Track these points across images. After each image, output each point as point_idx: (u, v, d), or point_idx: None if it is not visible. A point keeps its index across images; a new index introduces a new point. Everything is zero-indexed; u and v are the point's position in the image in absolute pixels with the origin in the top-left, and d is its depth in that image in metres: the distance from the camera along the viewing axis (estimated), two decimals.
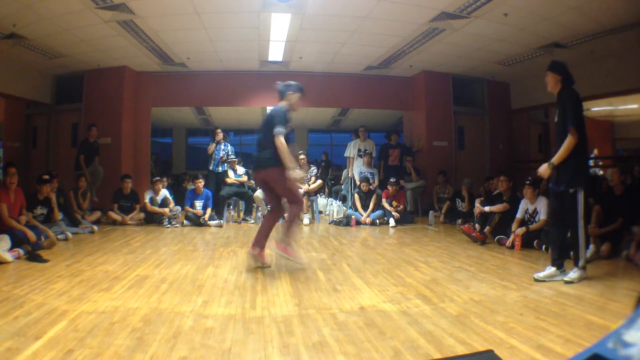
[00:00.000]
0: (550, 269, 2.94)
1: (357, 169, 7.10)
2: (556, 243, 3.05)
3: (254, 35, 6.00)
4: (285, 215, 3.34)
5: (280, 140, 3.12)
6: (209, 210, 6.02)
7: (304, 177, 3.71)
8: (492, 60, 6.94)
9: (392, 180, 6.36)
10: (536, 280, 2.89)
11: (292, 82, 3.57)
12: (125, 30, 5.56)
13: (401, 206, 6.32)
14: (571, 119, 2.85)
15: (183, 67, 7.47)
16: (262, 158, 3.25)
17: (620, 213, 3.92)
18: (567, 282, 2.82)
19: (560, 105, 2.98)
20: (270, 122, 3.26)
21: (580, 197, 2.88)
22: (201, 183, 6.14)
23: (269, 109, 3.39)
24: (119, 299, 2.41)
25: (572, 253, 2.96)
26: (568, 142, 2.84)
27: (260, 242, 3.29)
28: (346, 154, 7.40)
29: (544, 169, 2.94)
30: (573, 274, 2.88)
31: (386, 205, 6.23)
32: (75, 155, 6.60)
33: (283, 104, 3.46)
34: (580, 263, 2.92)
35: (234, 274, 3.08)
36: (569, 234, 2.99)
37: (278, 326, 1.99)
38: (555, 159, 2.88)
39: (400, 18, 5.27)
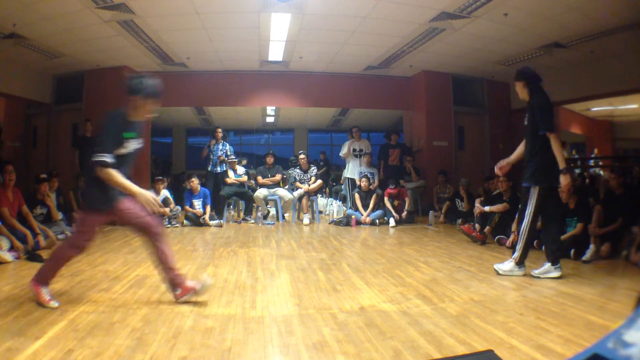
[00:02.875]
0: (544, 268, 2.99)
1: (353, 169, 7.09)
2: (547, 241, 3.13)
3: (254, 35, 6.00)
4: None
5: (105, 172, 2.16)
6: (208, 209, 6.02)
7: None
8: (492, 60, 6.94)
9: (392, 187, 6.33)
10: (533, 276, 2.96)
11: (147, 80, 2.42)
12: (125, 30, 5.56)
13: (403, 201, 6.31)
14: (544, 123, 2.93)
15: (183, 67, 7.47)
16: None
17: (620, 213, 3.92)
18: (496, 271, 3.01)
19: (530, 111, 3.05)
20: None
21: (535, 193, 2.96)
22: (194, 182, 6.10)
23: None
24: (119, 299, 2.41)
25: (543, 247, 3.05)
26: (555, 145, 2.91)
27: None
28: (340, 154, 7.39)
29: (566, 181, 2.89)
30: (502, 265, 3.04)
31: (387, 205, 6.23)
32: (77, 156, 6.62)
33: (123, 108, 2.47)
34: (515, 255, 3.01)
35: (234, 274, 3.08)
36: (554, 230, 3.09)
37: (278, 326, 1.99)
38: (560, 163, 2.89)
39: (400, 18, 5.28)
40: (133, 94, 2.42)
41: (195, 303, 2.34)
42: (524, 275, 2.99)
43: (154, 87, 2.44)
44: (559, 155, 2.89)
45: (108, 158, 2.18)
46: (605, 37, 5.53)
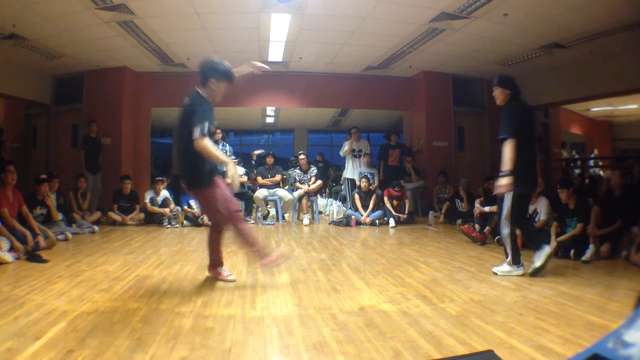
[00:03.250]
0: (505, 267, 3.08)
1: (352, 169, 7.09)
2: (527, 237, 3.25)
3: (254, 36, 6.00)
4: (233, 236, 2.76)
5: (202, 144, 2.39)
6: None
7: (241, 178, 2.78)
8: (492, 61, 6.94)
9: (396, 189, 6.32)
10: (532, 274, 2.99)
11: (219, 63, 2.67)
12: (125, 30, 5.57)
13: (404, 202, 6.31)
14: (505, 127, 3.09)
15: (183, 68, 7.47)
16: (185, 171, 2.75)
17: (619, 214, 3.92)
18: (494, 273, 3.03)
19: (501, 116, 3.20)
20: (186, 119, 2.51)
21: (509, 198, 3.01)
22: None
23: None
24: (119, 299, 2.41)
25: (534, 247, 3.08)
26: (508, 150, 3.02)
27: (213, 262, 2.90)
28: (341, 152, 7.40)
29: (504, 183, 2.97)
30: (500, 267, 3.07)
31: (387, 205, 6.24)
32: (82, 156, 6.66)
33: (202, 92, 2.63)
34: (509, 259, 3.04)
35: (233, 274, 3.08)
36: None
37: (278, 326, 1.99)
38: (507, 165, 2.99)
39: (400, 18, 5.28)
40: (207, 78, 2.61)
41: (195, 303, 2.34)
42: (523, 274, 3.01)
43: (226, 70, 2.66)
44: (508, 160, 2.99)
45: (206, 131, 2.40)
46: (605, 37, 5.53)
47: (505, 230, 3.03)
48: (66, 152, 7.33)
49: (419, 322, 2.05)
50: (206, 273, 3.01)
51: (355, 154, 7.14)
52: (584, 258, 3.63)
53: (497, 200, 3.18)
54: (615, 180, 4.25)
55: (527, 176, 3.02)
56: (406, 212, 6.28)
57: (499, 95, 3.28)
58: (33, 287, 2.64)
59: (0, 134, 7.07)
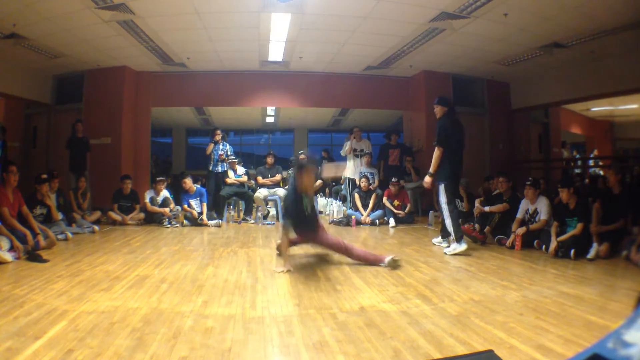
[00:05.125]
0: (439, 239, 4.26)
1: (353, 169, 7.08)
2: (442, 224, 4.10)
3: (254, 35, 6.00)
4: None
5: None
6: (205, 208, 6.02)
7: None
8: (492, 60, 6.94)
9: (394, 180, 6.35)
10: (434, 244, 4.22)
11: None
12: (125, 30, 5.57)
13: (406, 204, 6.31)
14: (437, 139, 4.15)
15: (183, 67, 7.47)
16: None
17: (619, 212, 3.92)
18: (445, 254, 3.83)
19: (437, 128, 4.21)
20: None
21: (442, 189, 4.04)
22: (187, 183, 6.08)
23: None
24: (119, 299, 2.41)
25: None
26: (435, 154, 4.13)
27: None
28: (342, 152, 7.39)
29: (427, 181, 4.15)
30: (448, 248, 3.90)
31: (387, 204, 6.24)
32: (84, 156, 6.67)
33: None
34: (451, 238, 3.92)
35: (234, 274, 3.08)
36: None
37: (278, 326, 1.99)
38: (431, 168, 4.13)
39: (400, 18, 5.28)
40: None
41: (195, 303, 2.34)
42: (467, 248, 3.83)
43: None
44: (433, 164, 4.11)
45: None
46: (605, 37, 5.54)
47: (445, 213, 3.98)
48: (66, 152, 7.33)
49: (419, 321, 2.05)
50: (208, 271, 3.00)
51: (356, 153, 7.14)
52: (588, 256, 3.64)
53: (434, 192, 4.20)
54: (612, 178, 4.24)
55: (453, 173, 4.12)
56: (406, 211, 6.28)
57: (438, 111, 4.34)
58: (33, 286, 2.64)
59: (3, 133, 7.06)
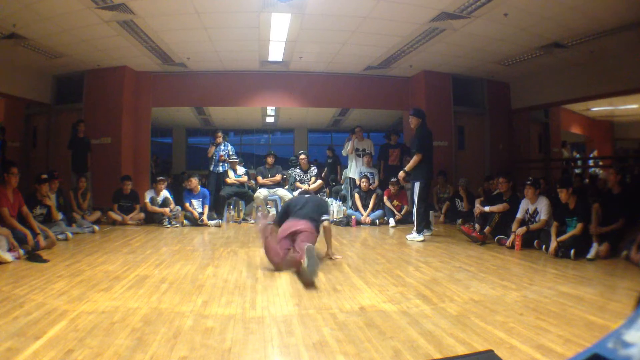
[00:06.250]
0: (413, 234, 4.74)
1: (355, 168, 7.08)
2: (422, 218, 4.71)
3: (254, 35, 6.00)
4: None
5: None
6: (206, 209, 6.02)
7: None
8: (492, 60, 6.94)
9: (393, 180, 6.35)
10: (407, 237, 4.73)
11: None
12: (126, 30, 5.56)
13: (404, 206, 6.31)
14: (418, 147, 4.75)
15: (183, 67, 7.46)
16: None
17: (618, 212, 3.92)
18: (407, 238, 4.70)
19: (415, 137, 4.87)
20: None
21: (417, 186, 4.73)
22: (193, 182, 6.07)
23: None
24: (119, 299, 2.41)
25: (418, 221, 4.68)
26: (415, 159, 4.72)
27: None
28: (343, 152, 7.38)
29: (401, 175, 4.90)
30: (410, 235, 4.71)
31: (388, 204, 6.23)
32: (85, 156, 6.66)
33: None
34: (416, 228, 4.70)
35: (234, 274, 3.08)
36: (419, 209, 4.71)
37: (278, 326, 1.99)
38: (407, 167, 4.82)
39: (400, 18, 5.27)
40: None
41: (195, 303, 2.34)
42: (423, 240, 4.60)
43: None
44: (411, 164, 4.76)
45: None
46: (605, 37, 5.53)
47: (420, 208, 4.67)
48: (66, 151, 7.33)
49: (419, 322, 2.05)
50: (208, 271, 3.00)
51: (358, 153, 7.14)
52: (588, 256, 3.64)
53: (414, 189, 4.82)
54: (611, 178, 4.24)
55: (428, 174, 4.85)
56: (402, 212, 6.26)
57: (413, 122, 4.86)
58: (33, 286, 2.64)
59: (2, 133, 7.06)
